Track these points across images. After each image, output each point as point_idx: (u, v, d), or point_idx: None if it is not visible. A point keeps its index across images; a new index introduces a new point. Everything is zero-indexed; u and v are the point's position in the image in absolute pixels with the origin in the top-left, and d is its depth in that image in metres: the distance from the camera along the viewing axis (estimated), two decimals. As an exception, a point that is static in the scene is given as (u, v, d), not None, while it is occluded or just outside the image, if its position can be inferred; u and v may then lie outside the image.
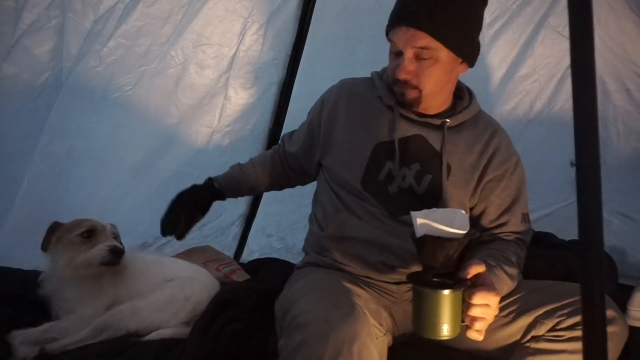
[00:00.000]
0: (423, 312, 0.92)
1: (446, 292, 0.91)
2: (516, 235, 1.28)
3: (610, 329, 0.99)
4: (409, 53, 1.17)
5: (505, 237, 1.27)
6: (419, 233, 0.94)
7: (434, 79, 1.20)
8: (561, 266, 1.68)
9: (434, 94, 1.24)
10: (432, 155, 1.25)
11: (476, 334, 0.96)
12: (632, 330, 1.07)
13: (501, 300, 1.12)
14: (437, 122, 1.26)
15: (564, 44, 2.01)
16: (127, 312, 1.32)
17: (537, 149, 2.15)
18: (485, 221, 1.28)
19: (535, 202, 2.18)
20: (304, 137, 1.44)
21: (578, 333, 0.62)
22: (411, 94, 1.21)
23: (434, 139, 1.26)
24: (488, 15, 2.01)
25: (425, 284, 0.93)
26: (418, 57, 1.17)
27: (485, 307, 0.94)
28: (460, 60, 1.22)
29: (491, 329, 1.11)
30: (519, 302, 1.12)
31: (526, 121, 2.13)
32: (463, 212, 0.98)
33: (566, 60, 2.01)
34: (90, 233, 1.38)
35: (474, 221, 1.28)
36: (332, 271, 1.25)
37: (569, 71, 0.57)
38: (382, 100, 1.31)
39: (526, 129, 2.13)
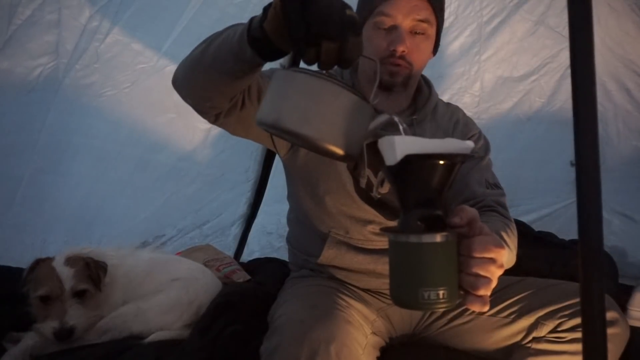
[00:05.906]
0: (407, 273, 0.63)
1: (440, 237, 0.62)
2: (491, 199, 1.10)
3: (611, 330, 0.99)
4: (406, 25, 1.11)
5: (479, 203, 1.09)
6: (400, 155, 0.62)
7: (424, 56, 1.17)
8: (561, 266, 1.69)
9: (415, 77, 1.21)
10: None
11: (479, 304, 0.64)
12: (633, 330, 1.06)
13: (501, 301, 1.12)
14: (405, 120, 1.19)
15: (564, 44, 2.01)
16: (131, 314, 1.31)
17: (536, 148, 2.15)
18: None
19: (535, 202, 2.18)
20: None
21: (580, 334, 0.61)
22: (404, 71, 1.15)
23: None
24: (485, 12, 2.02)
25: (409, 230, 0.64)
26: (412, 31, 1.12)
27: (490, 262, 0.65)
28: (434, 44, 1.19)
29: (491, 329, 1.12)
30: (520, 302, 1.11)
31: (525, 120, 2.13)
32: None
33: (566, 60, 2.01)
34: (45, 299, 1.25)
35: None
36: (320, 279, 1.22)
37: (569, 71, 0.57)
38: None
39: (525, 128, 2.14)
